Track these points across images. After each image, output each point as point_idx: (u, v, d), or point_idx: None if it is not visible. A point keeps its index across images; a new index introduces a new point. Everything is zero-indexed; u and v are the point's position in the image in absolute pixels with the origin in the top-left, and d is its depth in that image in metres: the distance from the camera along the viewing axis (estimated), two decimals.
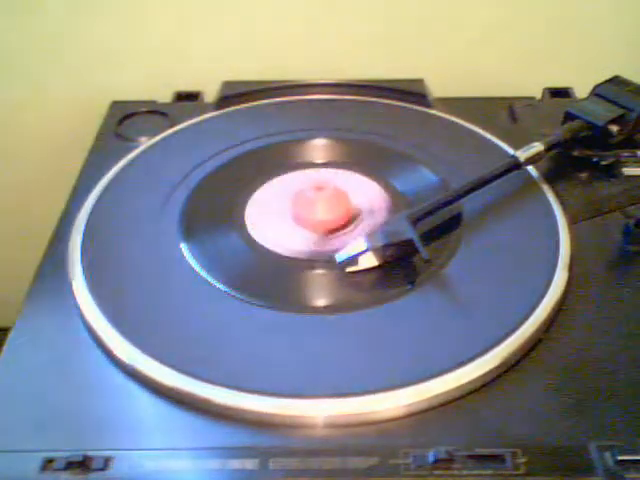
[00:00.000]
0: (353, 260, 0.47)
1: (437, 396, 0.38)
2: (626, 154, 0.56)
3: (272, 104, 0.65)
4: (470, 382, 0.39)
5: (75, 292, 0.45)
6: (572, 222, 0.50)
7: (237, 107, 0.65)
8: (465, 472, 0.35)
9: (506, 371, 0.40)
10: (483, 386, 0.39)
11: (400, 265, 0.47)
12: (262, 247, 0.50)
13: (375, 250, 0.47)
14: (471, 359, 0.40)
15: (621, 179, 0.54)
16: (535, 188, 0.54)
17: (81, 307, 0.44)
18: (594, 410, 0.38)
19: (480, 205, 0.52)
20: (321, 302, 0.46)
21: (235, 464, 0.35)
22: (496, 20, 0.72)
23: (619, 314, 0.44)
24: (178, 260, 0.48)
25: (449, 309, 0.44)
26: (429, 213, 0.49)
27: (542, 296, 0.44)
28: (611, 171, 0.55)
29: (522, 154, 0.53)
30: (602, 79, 0.59)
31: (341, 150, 0.59)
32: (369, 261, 0.47)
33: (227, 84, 0.68)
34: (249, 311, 0.44)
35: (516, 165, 0.52)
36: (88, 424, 0.38)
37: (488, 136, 0.60)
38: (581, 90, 0.63)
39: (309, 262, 0.48)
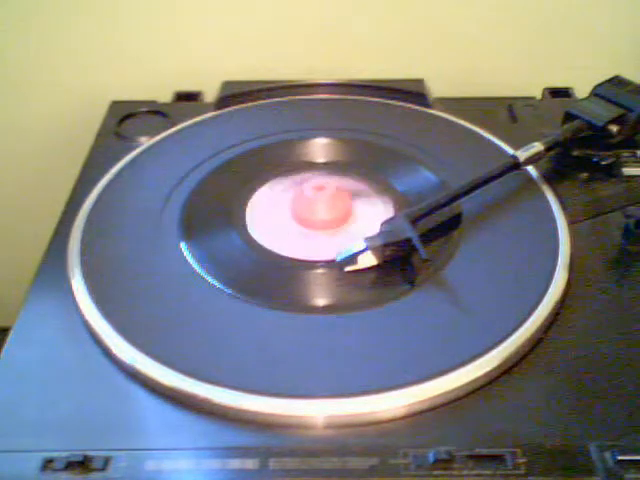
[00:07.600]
0: (352, 259, 0.47)
1: (437, 396, 0.38)
2: (626, 154, 0.56)
3: (272, 104, 0.65)
4: (470, 382, 0.39)
5: (75, 292, 0.45)
6: (572, 222, 0.50)
7: (237, 107, 0.65)
8: (465, 472, 0.35)
9: (506, 371, 0.40)
10: (483, 386, 0.39)
11: (399, 265, 0.47)
12: (262, 247, 0.50)
13: (374, 249, 0.47)
14: (471, 359, 0.40)
15: (621, 179, 0.54)
16: (535, 188, 0.54)
17: (81, 307, 0.44)
18: (594, 410, 0.38)
19: (480, 205, 0.51)
20: (321, 302, 0.46)
21: (235, 464, 0.35)
22: (496, 20, 0.72)
23: (619, 314, 0.44)
24: (178, 260, 0.48)
25: (449, 309, 0.44)
26: (429, 213, 0.49)
27: (542, 296, 0.44)
28: (611, 171, 0.55)
29: (522, 154, 0.53)
30: (602, 79, 0.59)
31: (341, 150, 0.59)
32: (368, 260, 0.47)
33: (227, 84, 0.67)
34: (249, 311, 0.44)
35: (516, 165, 0.52)
36: (88, 424, 0.38)
37: (488, 136, 0.60)
38: (581, 90, 0.63)
39: (309, 262, 0.48)
